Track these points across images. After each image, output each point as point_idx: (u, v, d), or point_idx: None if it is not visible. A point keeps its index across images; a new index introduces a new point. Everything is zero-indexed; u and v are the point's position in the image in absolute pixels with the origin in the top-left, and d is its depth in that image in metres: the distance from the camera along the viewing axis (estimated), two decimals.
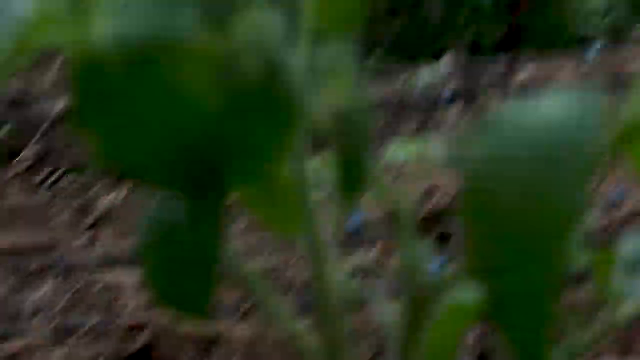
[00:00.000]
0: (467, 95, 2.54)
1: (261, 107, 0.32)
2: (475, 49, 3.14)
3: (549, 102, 0.31)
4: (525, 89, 2.46)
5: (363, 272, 1.38)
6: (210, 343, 1.15)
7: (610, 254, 0.40)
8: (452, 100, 2.49)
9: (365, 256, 1.40)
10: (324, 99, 0.35)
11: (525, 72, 2.68)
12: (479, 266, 0.30)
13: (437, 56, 3.00)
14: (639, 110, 0.32)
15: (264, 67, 0.32)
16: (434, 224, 1.44)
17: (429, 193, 1.58)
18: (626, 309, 0.44)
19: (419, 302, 0.37)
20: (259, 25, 0.33)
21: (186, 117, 0.32)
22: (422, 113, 2.37)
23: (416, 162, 1.63)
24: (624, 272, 0.41)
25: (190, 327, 1.17)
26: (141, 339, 1.16)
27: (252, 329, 1.17)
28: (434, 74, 2.52)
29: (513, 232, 0.29)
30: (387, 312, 0.40)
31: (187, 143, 0.32)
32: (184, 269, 0.37)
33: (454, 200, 1.74)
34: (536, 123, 0.30)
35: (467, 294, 0.46)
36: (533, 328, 0.30)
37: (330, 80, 0.37)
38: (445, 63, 2.74)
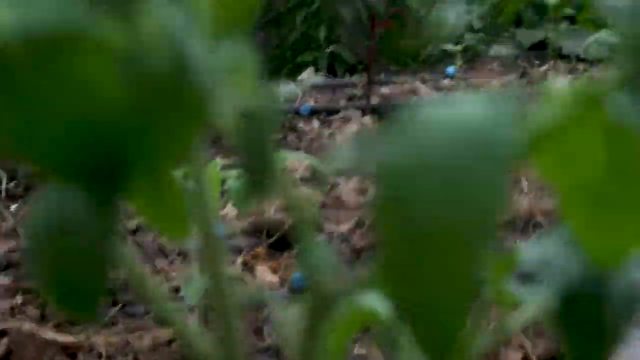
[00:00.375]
0: (327, 110, 2.57)
1: (166, 102, 0.31)
2: (335, 66, 3.17)
3: (461, 105, 0.31)
4: (387, 104, 2.49)
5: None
6: (73, 350, 1.13)
7: (505, 261, 0.40)
8: (311, 113, 2.51)
9: (231, 266, 1.38)
10: (228, 97, 0.34)
11: (386, 88, 2.72)
12: (391, 273, 0.30)
13: (296, 72, 3.02)
14: (546, 119, 0.33)
15: (170, 62, 0.31)
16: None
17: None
18: (520, 316, 0.44)
19: (319, 306, 0.37)
20: (163, 19, 0.31)
21: (89, 110, 0.31)
22: (283, 126, 2.38)
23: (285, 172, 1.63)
24: (517, 279, 0.41)
25: (53, 333, 1.14)
26: (3, 345, 1.12)
27: (117, 336, 1.15)
28: (294, 88, 2.53)
29: (429, 237, 0.29)
30: (285, 316, 0.40)
31: (89, 136, 0.31)
32: (73, 267, 0.35)
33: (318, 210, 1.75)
34: (451, 125, 0.30)
35: (364, 300, 0.46)
36: (446, 334, 0.29)
37: (233, 79, 0.36)
38: (305, 79, 2.76)
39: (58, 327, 1.18)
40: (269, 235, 1.51)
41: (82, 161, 0.30)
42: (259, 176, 0.35)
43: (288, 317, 0.39)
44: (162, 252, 1.45)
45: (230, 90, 0.35)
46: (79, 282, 0.36)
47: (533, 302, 0.42)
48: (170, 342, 1.17)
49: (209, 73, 0.32)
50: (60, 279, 0.36)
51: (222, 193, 1.25)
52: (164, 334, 1.17)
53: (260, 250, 1.45)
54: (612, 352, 0.38)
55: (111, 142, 0.30)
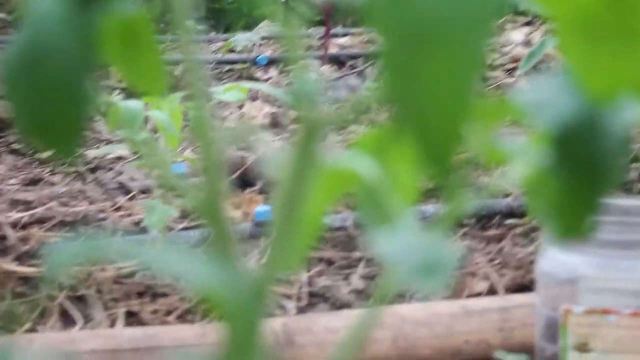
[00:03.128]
0: (282, 60, 2.55)
1: None
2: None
3: None
4: (344, 54, 2.48)
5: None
6: (32, 280, 1.11)
7: (496, 106, 0.39)
8: (269, 63, 2.49)
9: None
10: None
11: (343, 39, 2.71)
12: (389, 74, 0.29)
13: (252, 26, 2.99)
14: None
15: None
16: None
17: None
18: (509, 173, 0.43)
19: (307, 135, 0.35)
20: None
21: None
22: (240, 73, 2.36)
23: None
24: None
25: (14, 265, 1.12)
26: None
27: (79, 268, 1.13)
28: (250, 37, 2.51)
29: (428, 34, 0.27)
30: (273, 152, 0.38)
31: None
32: (53, 97, 0.34)
33: None
34: None
35: (347, 161, 0.44)
36: (447, 138, 0.28)
37: None
38: (261, 30, 2.74)
39: (19, 260, 1.16)
40: (229, 173, 1.50)
41: None
42: None
43: (276, 154, 0.38)
44: (123, 189, 1.43)
45: None
46: (57, 115, 0.34)
47: (523, 157, 0.41)
48: (132, 274, 1.15)
49: None
50: (38, 110, 0.34)
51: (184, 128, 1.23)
52: (127, 265, 1.16)
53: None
54: (607, 191, 0.37)
55: None
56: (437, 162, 0.28)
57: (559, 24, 0.36)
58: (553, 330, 0.94)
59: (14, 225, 1.27)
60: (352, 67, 2.46)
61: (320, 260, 1.27)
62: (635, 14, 0.35)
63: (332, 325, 1.02)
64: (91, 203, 1.35)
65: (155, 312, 1.12)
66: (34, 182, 1.55)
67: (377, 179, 0.44)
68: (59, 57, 0.32)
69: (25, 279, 1.11)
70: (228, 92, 1.43)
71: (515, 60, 2.51)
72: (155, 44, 0.42)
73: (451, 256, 0.38)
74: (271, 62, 2.50)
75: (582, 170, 0.37)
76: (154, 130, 1.28)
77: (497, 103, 0.38)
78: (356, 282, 1.26)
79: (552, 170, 0.37)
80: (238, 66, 2.40)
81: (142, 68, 0.43)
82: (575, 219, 0.38)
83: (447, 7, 0.28)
